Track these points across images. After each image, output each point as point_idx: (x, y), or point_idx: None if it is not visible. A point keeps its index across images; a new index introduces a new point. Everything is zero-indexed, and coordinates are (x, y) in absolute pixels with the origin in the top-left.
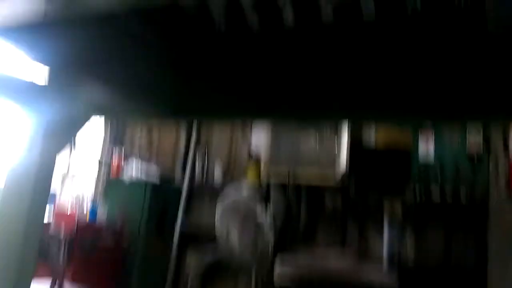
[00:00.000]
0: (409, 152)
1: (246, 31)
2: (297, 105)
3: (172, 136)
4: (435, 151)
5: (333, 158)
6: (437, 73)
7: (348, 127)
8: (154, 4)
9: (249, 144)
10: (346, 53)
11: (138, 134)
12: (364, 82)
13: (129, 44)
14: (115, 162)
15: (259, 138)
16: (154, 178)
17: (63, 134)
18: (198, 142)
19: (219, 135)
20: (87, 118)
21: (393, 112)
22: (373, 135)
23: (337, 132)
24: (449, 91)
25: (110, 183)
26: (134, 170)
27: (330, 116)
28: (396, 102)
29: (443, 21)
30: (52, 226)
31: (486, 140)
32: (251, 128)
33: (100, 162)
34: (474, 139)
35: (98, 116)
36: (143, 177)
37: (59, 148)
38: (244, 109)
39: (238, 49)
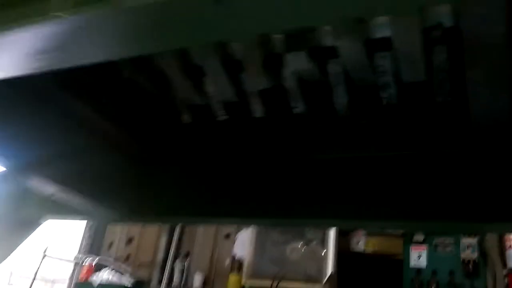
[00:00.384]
0: (400, 258)
1: (214, 121)
2: (277, 210)
3: (152, 239)
4: (428, 256)
5: (320, 262)
6: (418, 173)
7: (335, 230)
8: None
9: (232, 253)
10: (323, 146)
11: (118, 235)
12: (346, 185)
13: (84, 135)
14: (88, 265)
15: (243, 246)
16: (127, 281)
17: (11, 239)
18: (178, 248)
19: (202, 242)
20: (39, 222)
21: (380, 220)
22: (362, 239)
23: (324, 235)
24: (437, 196)
25: (79, 286)
26: (107, 272)
27: (316, 224)
28: (382, 207)
29: (421, 113)
30: None
31: (481, 244)
32: (234, 237)
33: (74, 264)
34: (468, 242)
35: (52, 219)
36: (116, 280)
37: (6, 255)
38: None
39: (205, 140)
